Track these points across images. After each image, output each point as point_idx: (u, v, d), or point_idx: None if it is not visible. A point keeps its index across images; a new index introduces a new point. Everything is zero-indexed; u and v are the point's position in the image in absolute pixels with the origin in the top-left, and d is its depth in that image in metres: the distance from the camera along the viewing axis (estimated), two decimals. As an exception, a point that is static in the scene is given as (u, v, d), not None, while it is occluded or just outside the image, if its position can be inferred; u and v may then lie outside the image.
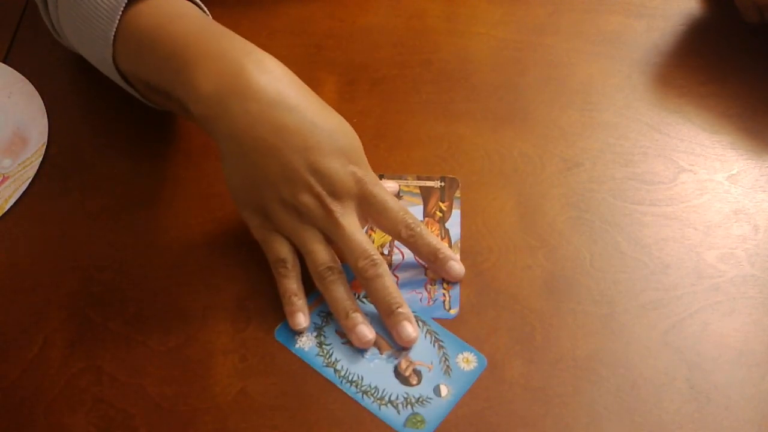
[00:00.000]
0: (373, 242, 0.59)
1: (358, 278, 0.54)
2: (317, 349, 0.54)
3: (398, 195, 0.61)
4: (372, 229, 0.59)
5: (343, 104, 0.67)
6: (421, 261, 0.57)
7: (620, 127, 0.65)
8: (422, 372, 0.53)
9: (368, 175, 0.55)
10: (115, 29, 0.56)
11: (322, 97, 0.56)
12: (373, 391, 0.52)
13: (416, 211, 0.60)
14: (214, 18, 0.59)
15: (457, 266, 0.56)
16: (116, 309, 0.56)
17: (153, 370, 0.54)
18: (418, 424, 0.50)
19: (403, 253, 0.58)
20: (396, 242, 0.59)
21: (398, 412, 0.51)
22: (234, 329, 0.55)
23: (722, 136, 0.64)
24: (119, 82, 0.60)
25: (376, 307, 0.54)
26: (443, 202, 0.61)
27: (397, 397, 0.52)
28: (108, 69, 0.59)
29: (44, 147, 0.65)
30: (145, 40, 0.55)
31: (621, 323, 0.55)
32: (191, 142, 0.65)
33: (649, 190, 0.61)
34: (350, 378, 0.52)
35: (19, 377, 0.54)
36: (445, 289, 0.56)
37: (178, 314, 0.56)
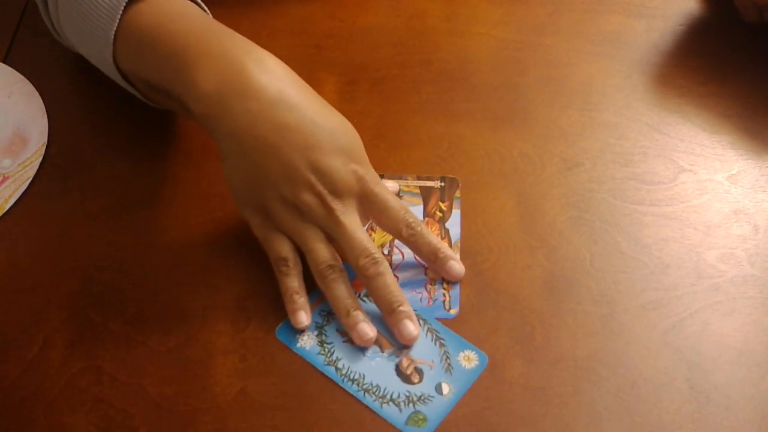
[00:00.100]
0: (374, 241, 0.59)
1: (359, 276, 0.54)
2: (318, 348, 0.54)
3: (398, 195, 0.61)
4: (372, 229, 0.59)
5: (343, 104, 0.67)
6: (421, 261, 0.57)
7: (620, 127, 0.65)
8: (423, 370, 0.53)
9: (369, 174, 0.55)
10: (115, 28, 0.56)
11: (322, 97, 0.56)
12: (374, 390, 0.52)
13: (416, 211, 0.60)
14: (214, 18, 0.59)
15: (457, 266, 0.56)
16: (116, 309, 0.56)
17: (153, 370, 0.53)
18: (420, 422, 0.50)
19: (403, 253, 0.58)
20: (396, 242, 0.59)
21: (400, 410, 0.51)
22: (234, 329, 0.55)
23: (722, 136, 0.64)
24: (119, 82, 0.60)
25: (378, 306, 0.54)
26: (443, 202, 0.61)
27: (399, 396, 0.52)
28: (108, 68, 0.59)
29: (44, 147, 0.65)
30: (145, 39, 0.55)
31: (621, 323, 0.55)
32: (191, 142, 0.65)
33: (649, 190, 0.61)
34: (351, 376, 0.52)
35: (19, 377, 0.54)
36: (445, 289, 0.56)
37: (178, 314, 0.56)
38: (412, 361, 0.53)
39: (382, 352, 0.54)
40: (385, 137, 0.65)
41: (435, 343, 0.54)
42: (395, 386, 0.52)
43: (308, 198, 0.53)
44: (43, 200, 0.62)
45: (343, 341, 0.54)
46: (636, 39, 0.71)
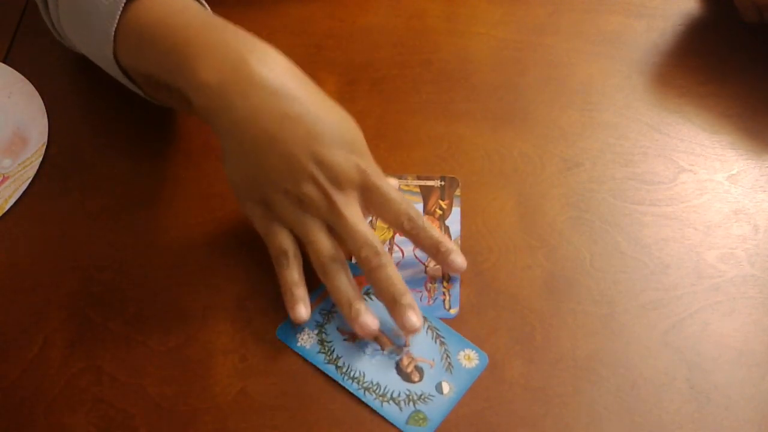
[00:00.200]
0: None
1: (361, 269, 0.54)
2: (319, 347, 0.54)
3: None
4: (372, 227, 0.59)
5: (343, 104, 0.67)
6: (420, 258, 0.58)
7: (620, 127, 0.65)
8: (424, 369, 0.53)
9: (371, 167, 0.55)
10: (115, 25, 0.56)
11: (324, 92, 0.56)
12: (374, 388, 0.52)
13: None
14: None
15: (459, 259, 0.55)
16: (116, 309, 0.56)
17: (153, 370, 0.54)
18: (421, 421, 0.50)
19: (402, 251, 0.58)
20: (396, 240, 0.59)
21: (400, 409, 0.51)
22: (234, 329, 0.55)
23: (722, 136, 0.64)
24: (121, 79, 0.60)
25: (380, 298, 0.54)
26: (443, 200, 0.61)
27: (399, 395, 0.52)
28: (109, 65, 0.59)
29: (44, 147, 0.65)
30: (146, 35, 0.55)
31: (621, 323, 0.55)
32: (191, 142, 0.65)
33: (649, 190, 0.61)
34: (352, 375, 0.52)
35: (19, 377, 0.54)
36: (445, 288, 0.56)
37: (178, 314, 0.56)
38: (413, 359, 0.53)
39: (383, 350, 0.54)
40: (385, 137, 0.65)
41: (435, 342, 0.54)
42: (395, 385, 0.52)
43: (310, 190, 0.53)
44: (43, 200, 0.62)
45: (344, 339, 0.54)
46: (636, 39, 0.71)
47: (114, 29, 0.56)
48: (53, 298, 0.57)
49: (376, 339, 0.54)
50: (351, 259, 0.56)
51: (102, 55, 0.59)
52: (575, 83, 0.68)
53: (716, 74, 0.68)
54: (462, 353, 0.53)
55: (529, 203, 0.61)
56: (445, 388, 0.52)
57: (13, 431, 0.52)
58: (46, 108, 0.68)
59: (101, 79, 0.64)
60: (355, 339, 0.54)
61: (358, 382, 0.52)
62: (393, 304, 0.53)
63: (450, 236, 0.59)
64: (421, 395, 0.52)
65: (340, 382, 0.52)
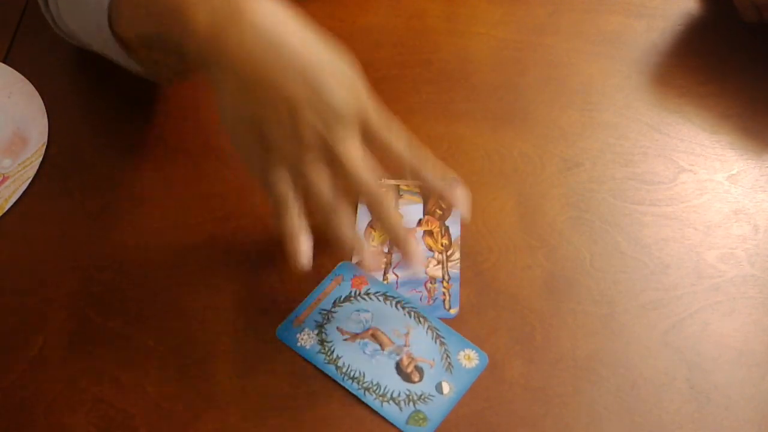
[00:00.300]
0: (373, 240, 0.59)
1: (362, 205, 0.52)
2: (319, 347, 0.54)
3: (398, 194, 0.61)
4: (372, 228, 0.59)
5: (343, 104, 0.67)
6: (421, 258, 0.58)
7: (620, 127, 0.65)
8: (424, 369, 0.53)
9: (371, 106, 0.53)
10: None
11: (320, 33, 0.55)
12: (375, 388, 0.52)
13: (416, 209, 0.60)
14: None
15: (461, 191, 0.55)
16: (116, 309, 0.56)
17: (153, 370, 0.53)
18: (421, 421, 0.50)
19: (403, 253, 0.58)
20: (396, 242, 0.59)
21: (400, 409, 0.51)
22: (234, 329, 0.55)
23: (722, 136, 0.64)
24: (118, 56, 0.59)
25: (384, 232, 0.51)
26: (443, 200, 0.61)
27: (399, 394, 0.52)
28: (107, 40, 0.58)
29: (44, 147, 0.65)
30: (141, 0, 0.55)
31: (621, 323, 0.55)
32: (191, 142, 0.65)
33: (649, 190, 0.61)
34: (352, 375, 0.52)
35: (19, 377, 0.53)
36: (445, 288, 0.56)
37: (178, 314, 0.56)
38: (413, 359, 0.53)
39: (383, 350, 0.54)
40: (385, 137, 0.65)
41: (435, 342, 0.54)
42: (396, 385, 0.52)
43: (308, 130, 0.51)
44: (43, 200, 0.62)
45: (344, 339, 0.54)
46: (636, 39, 0.71)
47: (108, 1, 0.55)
48: (53, 298, 0.57)
49: (376, 339, 0.54)
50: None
51: (99, 31, 0.58)
52: (575, 83, 0.68)
53: (716, 74, 0.68)
54: (462, 353, 0.53)
55: (529, 203, 0.61)
56: (445, 388, 0.52)
57: (13, 431, 0.52)
58: (46, 108, 0.68)
59: (101, 79, 0.64)
60: (355, 339, 0.54)
61: (358, 382, 0.52)
62: (396, 240, 0.52)
63: (450, 236, 0.59)
64: (421, 395, 0.52)
65: (340, 382, 0.52)
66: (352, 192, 0.52)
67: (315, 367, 0.53)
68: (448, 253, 0.58)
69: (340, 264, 0.57)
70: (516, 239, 0.59)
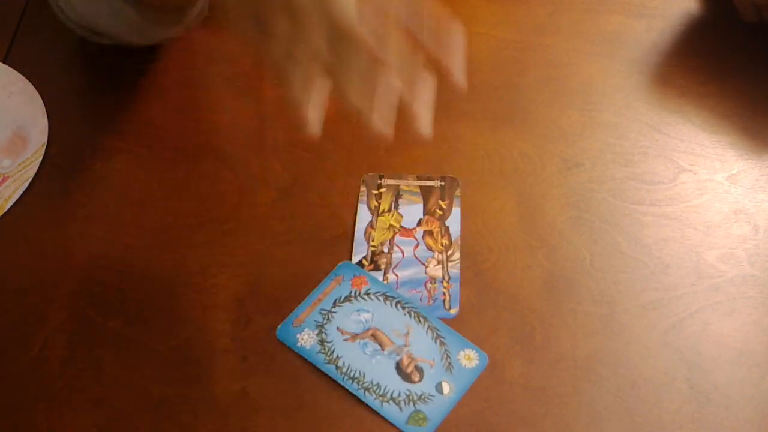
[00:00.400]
0: (373, 240, 0.59)
1: None
2: (319, 347, 0.54)
3: (398, 194, 0.61)
4: (372, 228, 0.59)
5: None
6: (420, 258, 0.58)
7: (620, 127, 0.65)
8: (424, 369, 0.53)
9: None
10: None
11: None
12: (375, 388, 0.52)
13: (416, 209, 0.60)
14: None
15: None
16: (116, 309, 0.56)
17: (153, 370, 0.53)
18: (421, 421, 0.51)
19: (403, 251, 0.58)
20: (396, 240, 0.59)
21: (400, 409, 0.51)
22: (234, 329, 0.55)
23: (722, 136, 0.64)
24: (125, 20, 0.59)
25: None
26: (443, 200, 0.61)
27: (399, 394, 0.52)
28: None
29: (44, 147, 0.65)
30: None
31: (621, 323, 0.55)
32: (191, 142, 0.65)
33: (649, 190, 0.61)
34: (352, 375, 0.52)
35: (19, 377, 0.53)
36: (445, 288, 0.56)
37: (178, 314, 0.56)
38: (413, 359, 0.53)
39: (383, 350, 0.54)
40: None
41: (435, 342, 0.54)
42: (396, 385, 0.52)
43: None
44: (43, 200, 0.62)
45: (344, 339, 0.54)
46: (636, 39, 0.71)
47: None
48: (53, 298, 0.57)
49: (376, 339, 0.54)
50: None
51: None
52: (575, 83, 0.68)
53: (716, 74, 0.68)
54: (462, 353, 0.53)
55: (529, 203, 0.61)
56: (445, 388, 0.52)
57: (13, 431, 0.52)
58: (46, 108, 0.68)
59: (101, 80, 0.64)
60: (355, 339, 0.54)
61: (358, 382, 0.52)
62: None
63: (450, 236, 0.59)
64: (421, 395, 0.52)
65: (340, 382, 0.52)
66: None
67: (315, 367, 0.53)
68: (448, 253, 0.58)
69: (340, 264, 0.57)
70: (516, 239, 0.59)
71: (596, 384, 0.52)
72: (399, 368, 0.53)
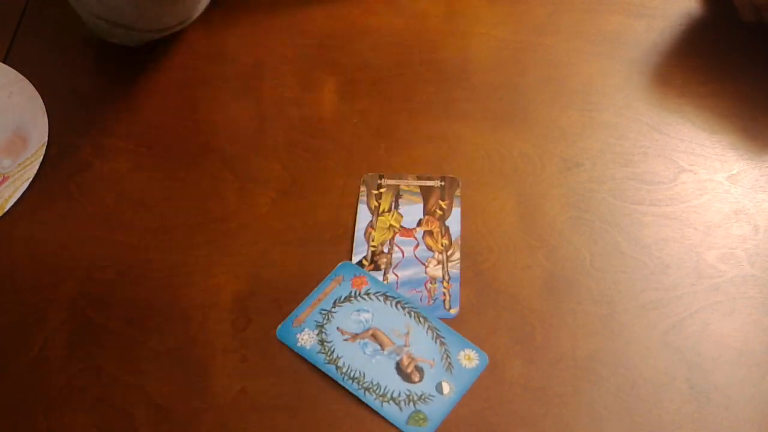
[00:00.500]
0: (374, 240, 0.59)
1: None
2: (319, 347, 0.54)
3: (398, 194, 0.61)
4: (372, 228, 0.59)
5: (343, 104, 0.67)
6: (420, 258, 0.58)
7: (620, 127, 0.65)
8: (424, 369, 0.53)
9: None
10: None
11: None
12: (375, 388, 0.52)
13: (416, 209, 0.60)
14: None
15: None
16: (116, 309, 0.56)
17: (153, 370, 0.53)
18: (421, 421, 0.51)
19: (403, 251, 0.58)
20: (396, 240, 0.59)
21: (400, 409, 0.51)
22: (234, 329, 0.55)
23: (722, 136, 0.64)
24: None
25: None
26: (443, 200, 0.61)
27: (399, 395, 0.52)
28: None
29: (44, 147, 0.65)
30: None
31: (621, 323, 0.55)
32: (191, 142, 0.65)
33: (649, 190, 0.61)
34: (352, 375, 0.52)
35: (19, 377, 0.53)
36: (445, 288, 0.56)
37: (178, 314, 0.56)
38: (413, 359, 0.53)
39: (383, 350, 0.54)
40: (385, 137, 0.65)
41: (435, 342, 0.54)
42: (396, 385, 0.52)
43: None
44: (43, 200, 0.62)
45: (344, 339, 0.54)
46: (636, 39, 0.71)
47: None
48: (53, 298, 0.57)
49: (376, 339, 0.54)
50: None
51: None
52: (575, 83, 0.68)
53: (716, 74, 0.68)
54: (462, 353, 0.53)
55: (529, 203, 0.61)
56: (445, 388, 0.52)
57: (13, 431, 0.52)
58: (46, 108, 0.68)
59: (101, 80, 0.64)
60: (355, 339, 0.54)
61: (358, 382, 0.52)
62: None
63: (450, 236, 0.59)
64: (421, 395, 0.52)
65: (340, 382, 0.52)
66: None
67: (315, 367, 0.53)
68: (448, 253, 0.58)
69: (340, 264, 0.57)
70: (516, 239, 0.59)
71: (596, 384, 0.52)
72: (399, 368, 0.53)
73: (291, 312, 0.56)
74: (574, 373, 0.52)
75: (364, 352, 0.54)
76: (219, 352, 0.54)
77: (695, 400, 0.51)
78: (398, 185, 0.62)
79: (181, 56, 0.70)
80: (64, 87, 0.70)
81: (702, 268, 0.57)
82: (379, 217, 0.60)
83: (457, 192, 0.61)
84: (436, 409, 0.51)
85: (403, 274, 0.57)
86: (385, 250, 0.59)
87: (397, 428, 0.50)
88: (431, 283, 0.57)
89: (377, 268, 0.58)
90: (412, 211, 0.61)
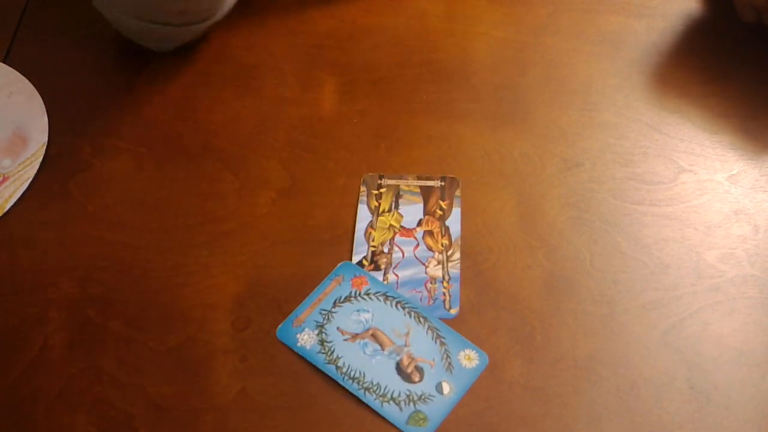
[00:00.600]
0: (374, 240, 0.59)
1: None
2: (319, 347, 0.54)
3: (399, 194, 0.61)
4: (372, 228, 0.59)
5: (343, 104, 0.67)
6: (420, 258, 0.58)
7: (620, 127, 0.65)
8: (424, 369, 0.53)
9: None
10: None
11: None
12: (375, 388, 0.52)
13: (417, 209, 0.60)
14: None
15: None
16: (116, 309, 0.56)
17: (153, 370, 0.53)
18: (421, 421, 0.51)
19: (403, 251, 0.58)
20: (396, 240, 0.59)
21: (400, 409, 0.51)
22: (234, 329, 0.55)
23: (722, 137, 0.64)
24: None
25: None
26: (443, 200, 0.61)
27: (400, 395, 0.52)
28: None
29: (44, 147, 0.65)
30: None
31: (621, 323, 0.55)
32: (191, 142, 0.65)
33: (649, 190, 0.61)
34: (352, 375, 0.52)
35: (19, 377, 0.53)
36: (445, 288, 0.56)
37: (178, 314, 0.56)
38: (413, 359, 0.53)
39: (383, 350, 0.54)
40: (385, 137, 0.65)
41: (435, 342, 0.54)
42: (396, 385, 0.52)
43: None
44: (43, 200, 0.62)
45: (344, 339, 0.54)
46: (636, 39, 0.71)
47: None
48: (53, 298, 0.57)
49: (376, 339, 0.54)
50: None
51: None
52: (575, 83, 0.68)
53: (716, 74, 0.68)
54: (462, 353, 0.53)
55: (529, 203, 0.61)
56: (445, 388, 0.52)
57: (13, 431, 0.52)
58: (46, 108, 0.68)
59: (101, 80, 0.64)
60: (355, 339, 0.54)
61: (358, 382, 0.52)
62: None
63: (450, 236, 0.59)
64: (421, 395, 0.52)
65: (340, 382, 0.52)
66: None
67: (315, 367, 0.53)
68: (448, 253, 0.58)
69: (340, 264, 0.57)
70: (516, 239, 0.59)
71: (596, 384, 0.52)
72: (399, 368, 0.53)
73: (291, 312, 0.56)
74: (574, 373, 0.52)
75: (364, 352, 0.54)
76: (219, 352, 0.54)
77: (695, 400, 0.51)
78: (398, 185, 0.62)
79: (181, 56, 0.70)
80: (64, 87, 0.70)
81: (702, 268, 0.57)
82: (379, 217, 0.60)
83: (457, 192, 0.61)
84: (436, 409, 0.51)
85: (403, 274, 0.57)
86: (385, 250, 0.59)
87: (397, 428, 0.50)
88: (431, 283, 0.57)
89: (377, 268, 0.58)
90: (412, 211, 0.61)
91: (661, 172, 0.62)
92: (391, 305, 0.55)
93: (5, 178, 0.63)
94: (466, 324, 0.55)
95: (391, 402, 0.51)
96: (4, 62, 0.71)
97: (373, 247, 0.59)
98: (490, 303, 0.56)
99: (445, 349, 0.54)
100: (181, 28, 0.66)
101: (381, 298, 0.56)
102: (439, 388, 0.52)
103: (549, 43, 0.71)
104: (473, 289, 0.56)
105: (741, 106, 0.66)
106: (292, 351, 0.54)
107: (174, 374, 0.53)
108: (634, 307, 0.55)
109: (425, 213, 0.61)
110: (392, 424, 0.51)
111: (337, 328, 0.55)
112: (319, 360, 0.53)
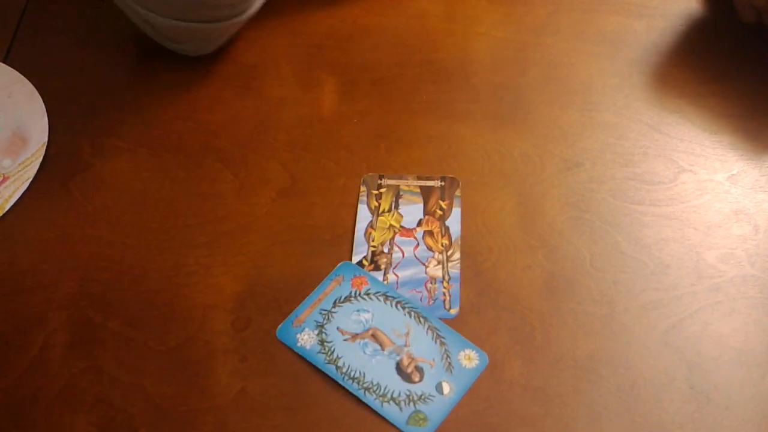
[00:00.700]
0: (374, 240, 0.59)
1: None
2: (319, 347, 0.54)
3: (399, 194, 0.61)
4: (372, 228, 0.59)
5: (343, 104, 0.67)
6: (420, 258, 0.58)
7: (620, 127, 0.65)
8: (424, 369, 0.53)
9: None
10: None
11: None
12: (375, 388, 0.52)
13: (417, 209, 0.60)
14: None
15: None
16: (116, 309, 0.56)
17: (153, 370, 0.53)
18: (421, 421, 0.51)
19: (403, 251, 0.58)
20: (396, 240, 0.59)
21: (400, 409, 0.51)
22: (234, 329, 0.55)
23: (722, 137, 0.64)
24: None
25: None
26: (443, 200, 0.61)
27: (400, 395, 0.52)
28: None
29: (44, 147, 0.65)
30: None
31: (621, 323, 0.55)
32: (191, 142, 0.65)
33: (649, 190, 0.61)
34: (352, 375, 0.52)
35: (19, 377, 0.53)
36: (445, 288, 0.56)
37: (177, 314, 0.56)
38: (413, 359, 0.53)
39: (383, 350, 0.54)
40: (385, 137, 0.65)
41: (435, 342, 0.54)
42: (396, 385, 0.52)
43: None
44: (43, 200, 0.62)
45: (344, 339, 0.54)
46: (636, 39, 0.71)
47: None
48: (53, 298, 0.57)
49: (376, 339, 0.54)
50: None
51: None
52: (575, 83, 0.68)
53: (716, 74, 0.68)
54: (462, 353, 0.53)
55: (529, 203, 0.61)
56: (446, 388, 0.52)
57: (13, 431, 0.52)
58: (46, 108, 0.68)
59: (101, 80, 0.64)
60: (355, 339, 0.54)
61: (358, 382, 0.52)
62: None
63: (450, 236, 0.59)
64: (421, 395, 0.52)
65: (340, 382, 0.52)
66: None
67: (315, 367, 0.53)
68: (448, 253, 0.58)
69: (340, 264, 0.57)
70: (516, 239, 0.59)
71: (596, 384, 0.52)
72: (399, 368, 0.53)
73: (291, 312, 0.56)
74: (574, 373, 0.52)
75: (364, 352, 0.54)
76: (219, 352, 0.54)
77: (695, 400, 0.51)
78: (398, 185, 0.62)
79: (181, 56, 0.70)
80: (64, 87, 0.70)
81: (702, 268, 0.57)
82: (379, 217, 0.60)
83: (457, 192, 0.61)
84: (436, 409, 0.51)
85: (403, 274, 0.57)
86: (385, 250, 0.59)
87: (397, 428, 0.50)
88: (431, 283, 0.57)
89: (377, 268, 0.58)
90: (412, 211, 0.61)
91: (661, 172, 0.62)
92: (391, 305, 0.55)
93: (5, 178, 0.63)
94: (466, 324, 0.55)
95: (391, 402, 0.51)
96: (4, 62, 0.71)
97: (373, 247, 0.59)
98: (490, 303, 0.56)
99: (445, 349, 0.54)
100: (214, 24, 0.65)
101: (381, 298, 0.56)
102: (439, 388, 0.52)
103: (549, 43, 0.71)
104: (473, 289, 0.56)
105: (741, 106, 0.66)
106: (292, 351, 0.54)
107: (174, 374, 0.53)
108: (634, 307, 0.55)
109: (425, 213, 0.61)
110: (392, 424, 0.51)
111: (337, 328, 0.55)
112: (319, 360, 0.53)
